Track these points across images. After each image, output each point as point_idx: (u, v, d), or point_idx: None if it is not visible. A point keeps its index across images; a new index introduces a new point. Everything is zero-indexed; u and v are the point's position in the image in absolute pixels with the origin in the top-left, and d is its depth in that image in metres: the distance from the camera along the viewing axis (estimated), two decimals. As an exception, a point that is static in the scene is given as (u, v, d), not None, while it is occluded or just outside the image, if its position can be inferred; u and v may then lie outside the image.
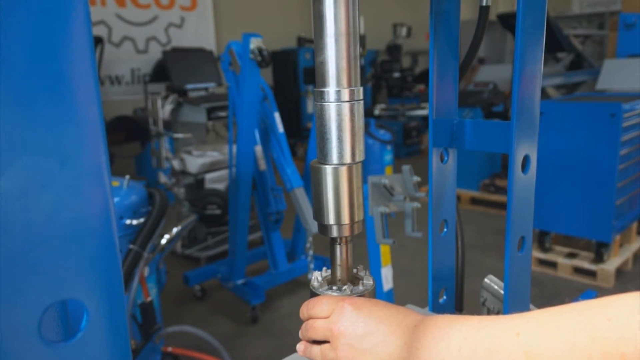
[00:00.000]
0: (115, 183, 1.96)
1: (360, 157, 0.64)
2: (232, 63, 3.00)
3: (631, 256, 3.55)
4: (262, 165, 3.21)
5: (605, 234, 3.29)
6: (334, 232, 0.66)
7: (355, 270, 0.71)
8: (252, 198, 3.25)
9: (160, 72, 5.20)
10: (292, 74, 7.37)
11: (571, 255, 3.56)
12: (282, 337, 2.95)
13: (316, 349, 0.63)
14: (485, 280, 1.00)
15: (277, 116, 3.10)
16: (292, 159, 3.02)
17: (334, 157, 0.63)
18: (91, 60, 0.41)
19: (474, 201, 5.05)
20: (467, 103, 5.08)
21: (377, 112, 4.58)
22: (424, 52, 9.47)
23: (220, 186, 4.15)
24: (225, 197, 3.88)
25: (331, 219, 0.65)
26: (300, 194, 2.84)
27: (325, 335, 0.61)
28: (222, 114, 4.10)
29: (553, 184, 3.44)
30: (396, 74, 8.14)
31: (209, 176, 4.12)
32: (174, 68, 4.47)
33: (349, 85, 0.61)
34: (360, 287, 0.67)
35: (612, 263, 3.37)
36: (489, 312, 0.99)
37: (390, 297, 2.30)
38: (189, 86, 4.45)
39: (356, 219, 0.66)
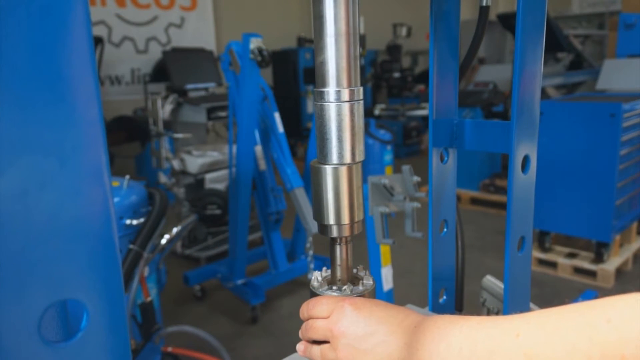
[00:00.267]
0: (115, 183, 1.96)
1: (360, 157, 0.64)
2: (232, 63, 3.01)
3: (631, 256, 3.55)
4: (262, 165, 3.21)
5: (605, 234, 3.29)
6: (334, 232, 0.66)
7: (355, 270, 0.71)
8: (252, 198, 3.25)
9: (160, 72, 5.20)
10: (292, 74, 7.37)
11: (571, 255, 3.56)
12: (282, 337, 2.95)
13: (316, 349, 0.63)
14: (484, 280, 1.00)
15: (277, 116, 3.10)
16: (292, 159, 3.02)
17: (334, 157, 0.63)
18: (91, 60, 0.41)
19: (474, 201, 5.05)
20: (467, 103, 5.09)
21: (377, 112, 4.59)
22: (424, 52, 9.48)
23: (220, 186, 4.15)
24: (225, 197, 3.88)
25: (331, 219, 0.65)
26: (300, 194, 2.84)
27: (326, 336, 0.61)
28: (222, 114, 4.10)
29: (553, 184, 3.44)
30: (396, 74, 8.14)
31: (209, 176, 4.12)
32: (174, 68, 4.47)
33: (349, 85, 0.61)
34: (360, 287, 0.67)
35: (612, 263, 3.37)
36: (489, 312, 0.99)
37: (390, 297, 2.30)
38: (189, 86, 4.45)
39: (356, 219, 0.66)
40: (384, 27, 8.42)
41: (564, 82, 5.64)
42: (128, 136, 4.86)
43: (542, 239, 3.65)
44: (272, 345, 2.86)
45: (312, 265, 3.06)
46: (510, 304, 0.85)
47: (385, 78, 8.22)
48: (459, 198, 1.44)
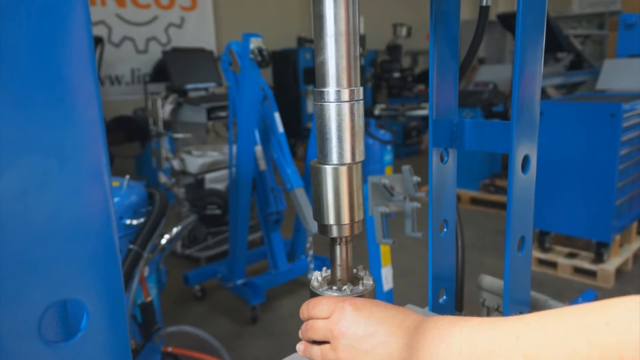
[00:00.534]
0: (115, 183, 1.96)
1: (360, 157, 0.64)
2: (232, 63, 3.01)
3: (631, 256, 3.55)
4: (262, 165, 3.21)
5: (605, 234, 3.29)
6: (334, 232, 0.66)
7: (355, 270, 0.71)
8: (252, 198, 3.25)
9: (160, 72, 5.20)
10: (292, 74, 7.37)
11: (571, 255, 3.56)
12: (282, 337, 2.95)
13: (316, 349, 0.63)
14: (480, 280, 1.00)
15: (277, 116, 3.10)
16: (292, 159, 3.02)
17: (334, 157, 0.63)
18: (91, 60, 0.41)
19: (474, 201, 5.05)
20: (467, 103, 5.09)
21: (377, 112, 4.59)
22: (424, 52, 9.48)
23: (220, 186, 4.15)
24: (225, 197, 3.88)
25: (331, 219, 0.65)
26: (300, 194, 2.84)
27: (326, 336, 0.61)
28: (222, 114, 4.10)
29: (553, 184, 3.44)
30: (396, 74, 8.14)
31: (209, 176, 4.12)
32: (174, 68, 4.47)
33: (349, 85, 0.61)
34: (360, 287, 0.67)
35: (612, 263, 3.37)
36: (489, 311, 0.99)
37: (390, 297, 2.30)
38: (189, 86, 4.45)
39: (356, 219, 0.66)
40: (384, 27, 8.42)
41: (564, 82, 5.64)
42: (128, 136, 4.86)
43: (542, 239, 3.65)
44: (272, 345, 2.86)
45: (312, 265, 3.06)
46: (510, 304, 0.85)
47: (385, 78, 8.22)
48: (459, 198, 1.44)
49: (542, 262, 3.61)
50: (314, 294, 0.68)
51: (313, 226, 2.70)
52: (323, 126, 0.63)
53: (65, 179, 0.41)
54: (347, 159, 0.63)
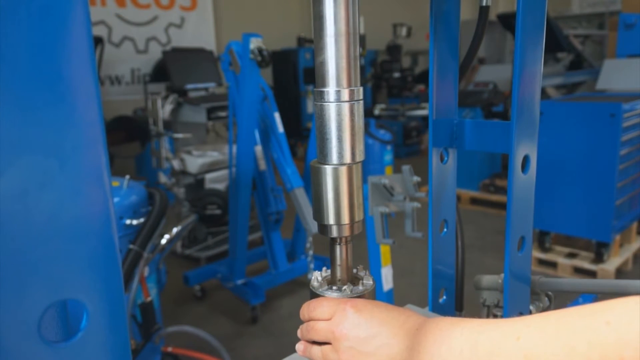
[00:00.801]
0: (115, 183, 1.96)
1: (360, 157, 0.64)
2: (232, 63, 3.01)
3: (631, 256, 3.55)
4: (262, 165, 3.21)
5: (605, 234, 3.29)
6: (334, 232, 0.66)
7: (355, 270, 0.71)
8: (252, 198, 3.25)
9: (160, 72, 5.20)
10: (292, 74, 7.37)
11: (571, 255, 3.56)
12: (282, 337, 2.95)
13: (317, 349, 0.64)
14: (477, 281, 1.00)
15: (277, 116, 3.10)
16: (292, 159, 3.02)
17: (334, 157, 0.63)
18: (91, 60, 0.41)
19: (474, 201, 5.05)
20: (467, 103, 5.09)
21: (377, 112, 4.59)
22: (424, 52, 9.48)
23: (220, 186, 4.15)
24: (225, 197, 3.88)
25: (331, 219, 0.65)
26: (300, 194, 2.84)
27: (327, 337, 0.61)
28: (222, 114, 4.10)
29: (553, 184, 3.44)
30: (396, 74, 8.14)
31: (209, 176, 4.12)
32: (174, 68, 4.47)
33: (349, 85, 0.61)
34: (360, 287, 0.67)
35: (612, 263, 3.37)
36: (489, 311, 0.99)
37: (390, 297, 2.30)
38: (189, 86, 4.45)
39: (356, 219, 0.66)
40: (384, 27, 8.42)
41: (564, 82, 5.64)
42: (128, 136, 4.86)
43: (542, 239, 3.65)
44: (272, 345, 2.86)
45: (312, 265, 3.06)
46: (510, 304, 0.85)
47: (385, 78, 8.22)
48: (459, 198, 1.44)
49: (542, 262, 3.61)
50: (314, 294, 0.68)
51: (313, 226, 2.70)
52: (323, 126, 0.63)
53: (65, 179, 0.41)
54: (347, 159, 0.63)
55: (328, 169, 0.63)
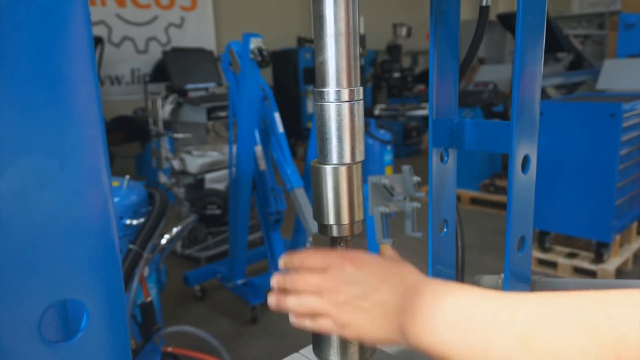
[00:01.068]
0: (115, 183, 1.96)
1: (360, 157, 0.64)
2: (232, 63, 3.01)
3: (631, 256, 3.55)
4: (262, 165, 3.21)
5: (605, 234, 3.29)
6: (334, 232, 0.66)
7: (355, 270, 0.71)
8: (252, 198, 3.25)
9: (160, 72, 5.20)
10: (292, 74, 7.37)
11: (571, 255, 3.56)
12: (282, 337, 2.95)
13: (297, 300, 0.61)
14: (477, 280, 1.00)
15: (277, 116, 3.10)
16: (292, 159, 3.02)
17: (334, 157, 0.63)
18: (91, 60, 0.41)
19: (474, 201, 5.05)
20: (467, 103, 5.09)
21: (377, 112, 4.59)
22: (424, 52, 9.47)
23: (220, 186, 4.15)
24: (225, 197, 3.88)
25: (331, 219, 0.65)
26: (300, 194, 2.84)
27: (318, 290, 0.59)
28: (222, 114, 4.10)
29: (553, 184, 3.44)
30: (396, 74, 8.14)
31: (209, 176, 4.12)
32: (174, 68, 4.47)
33: (349, 85, 0.61)
34: (360, 287, 0.67)
35: (612, 263, 3.37)
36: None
37: (390, 297, 2.30)
38: (189, 86, 4.45)
39: (356, 219, 0.66)
40: (384, 27, 8.42)
41: (564, 82, 5.64)
42: (128, 136, 4.86)
43: (542, 239, 3.65)
44: (272, 345, 2.86)
45: (312, 265, 3.05)
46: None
47: (385, 78, 8.22)
48: (459, 198, 1.44)
49: (542, 262, 3.61)
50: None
51: (313, 226, 2.70)
52: (323, 126, 0.63)
53: (65, 179, 0.41)
54: (347, 159, 0.63)
55: (328, 169, 0.63)
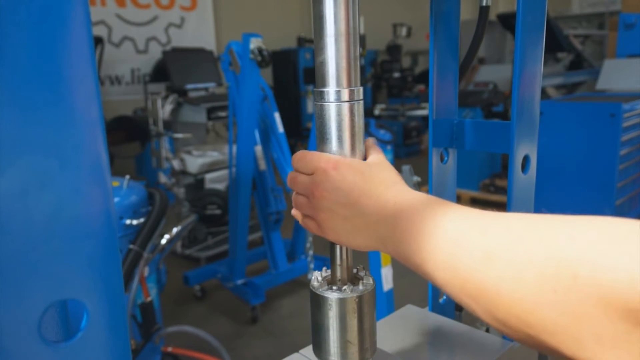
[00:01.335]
0: (115, 183, 1.96)
1: (360, 157, 0.64)
2: (232, 63, 3.01)
3: (631, 256, 3.55)
4: (262, 165, 3.21)
5: (605, 234, 3.29)
6: (334, 232, 0.66)
7: (355, 270, 0.71)
8: (252, 198, 3.25)
9: (160, 72, 5.20)
10: (292, 74, 7.37)
11: (571, 255, 3.55)
12: (282, 337, 2.95)
13: (302, 199, 0.64)
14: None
15: (277, 116, 3.10)
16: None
17: (334, 157, 0.63)
18: (91, 60, 0.41)
19: (474, 201, 5.05)
20: (467, 103, 5.09)
21: (377, 112, 4.59)
22: (424, 52, 9.48)
23: (220, 186, 4.15)
24: (225, 197, 3.89)
25: (331, 219, 0.65)
26: (300, 194, 2.83)
27: (306, 192, 0.62)
28: (222, 114, 4.10)
29: (553, 184, 3.44)
30: (396, 74, 8.14)
31: (209, 176, 4.13)
32: (174, 68, 4.47)
33: (349, 85, 0.61)
34: (361, 287, 0.67)
35: (612, 263, 3.37)
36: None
37: (390, 297, 2.30)
38: (189, 86, 4.45)
39: (356, 219, 0.66)
40: (384, 27, 8.42)
41: (564, 82, 5.64)
42: (128, 136, 4.86)
43: (542, 239, 3.64)
44: (272, 345, 2.86)
45: (312, 265, 3.06)
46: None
47: (385, 78, 8.22)
48: (459, 198, 1.45)
49: (542, 262, 3.61)
50: (314, 294, 0.67)
51: (313, 226, 2.70)
52: (323, 126, 0.63)
53: (65, 179, 0.41)
54: (347, 159, 0.63)
55: (328, 169, 0.63)
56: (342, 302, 0.64)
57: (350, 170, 0.59)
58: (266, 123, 3.13)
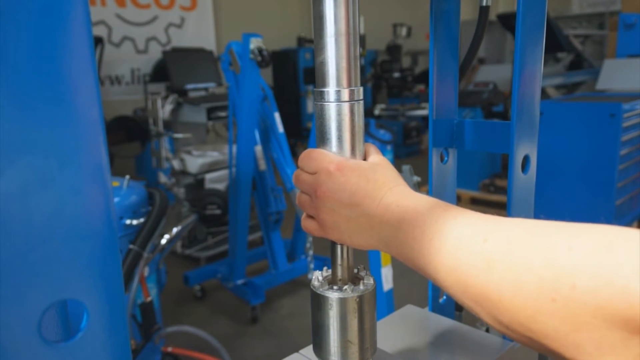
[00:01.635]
0: (115, 183, 1.96)
1: (360, 157, 0.64)
2: (232, 63, 3.01)
3: (631, 256, 3.55)
4: (262, 165, 3.21)
5: (605, 234, 3.29)
6: (334, 232, 0.66)
7: (356, 270, 0.71)
8: (252, 198, 3.25)
9: (160, 72, 5.20)
10: (292, 74, 7.37)
11: (571, 255, 3.55)
12: (282, 337, 2.95)
13: (305, 198, 0.64)
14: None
15: (277, 116, 3.10)
16: (292, 159, 3.03)
17: (334, 157, 0.63)
18: (91, 60, 0.41)
19: (474, 201, 5.05)
20: (467, 103, 5.08)
21: (377, 112, 4.58)
22: (424, 52, 9.48)
23: (220, 186, 4.15)
24: (225, 197, 3.88)
25: (331, 219, 0.65)
26: (300, 194, 2.83)
27: (309, 192, 0.62)
28: (222, 114, 4.10)
29: (553, 184, 3.44)
30: (396, 74, 8.13)
31: (209, 176, 4.12)
32: (174, 68, 4.47)
33: (349, 85, 0.61)
34: (361, 287, 0.67)
35: (612, 263, 3.37)
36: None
37: (390, 297, 2.30)
38: (189, 86, 4.45)
39: (356, 219, 0.66)
40: (384, 27, 8.42)
41: (564, 82, 5.64)
42: (128, 136, 4.86)
43: (542, 239, 3.65)
44: (272, 345, 2.86)
45: (312, 265, 3.06)
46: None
47: (385, 78, 8.21)
48: (459, 198, 1.45)
49: (542, 262, 3.61)
50: (315, 294, 0.68)
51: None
52: (323, 126, 0.63)
53: (65, 179, 0.41)
54: (347, 159, 0.63)
55: (328, 169, 0.63)
56: (342, 302, 0.64)
57: (355, 172, 0.59)
58: (266, 123, 3.13)
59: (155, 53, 6.22)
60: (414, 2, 9.36)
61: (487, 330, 0.89)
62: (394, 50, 8.22)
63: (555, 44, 5.56)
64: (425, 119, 7.25)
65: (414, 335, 0.86)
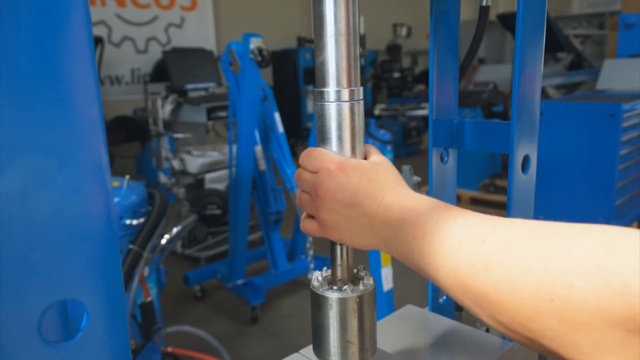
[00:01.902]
0: (115, 183, 1.96)
1: (360, 157, 0.64)
2: (232, 63, 3.01)
3: (631, 256, 3.55)
4: (262, 165, 3.21)
5: (605, 234, 3.29)
6: (334, 232, 0.66)
7: (355, 270, 0.71)
8: (252, 198, 3.25)
9: (160, 72, 5.20)
10: (292, 74, 7.37)
11: (571, 255, 3.55)
12: (282, 337, 2.95)
13: (306, 197, 0.64)
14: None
15: (277, 116, 3.10)
16: (292, 159, 3.02)
17: (334, 157, 0.63)
18: (91, 60, 0.41)
19: (474, 201, 5.05)
20: (467, 103, 5.08)
21: (377, 112, 4.58)
22: (424, 52, 9.48)
23: (220, 186, 4.15)
24: (225, 197, 3.88)
25: (331, 219, 0.65)
26: (300, 194, 2.83)
27: (310, 191, 0.62)
28: (222, 114, 4.10)
29: (553, 184, 3.44)
30: (396, 74, 8.14)
31: (209, 176, 4.12)
32: (174, 68, 4.47)
33: (349, 85, 0.61)
34: (361, 287, 0.67)
35: (612, 263, 3.37)
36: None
37: (390, 297, 2.30)
38: (189, 86, 4.45)
39: (356, 219, 0.66)
40: (384, 27, 8.42)
41: (564, 82, 5.64)
42: (128, 136, 4.86)
43: (542, 239, 3.64)
44: (272, 345, 2.86)
45: (312, 265, 3.06)
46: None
47: (385, 78, 8.22)
48: (459, 198, 1.45)
49: (542, 262, 3.61)
50: (314, 294, 0.67)
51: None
52: (323, 126, 0.63)
53: (65, 179, 0.41)
54: (347, 159, 0.63)
55: (328, 169, 0.63)
56: (342, 302, 0.64)
57: (357, 172, 0.59)
58: (266, 123, 3.13)
59: (155, 53, 6.22)
60: (414, 2, 9.36)
61: (487, 331, 0.89)
62: (394, 50, 8.22)
63: (555, 44, 5.56)
64: (425, 119, 7.24)
65: (414, 335, 0.86)
